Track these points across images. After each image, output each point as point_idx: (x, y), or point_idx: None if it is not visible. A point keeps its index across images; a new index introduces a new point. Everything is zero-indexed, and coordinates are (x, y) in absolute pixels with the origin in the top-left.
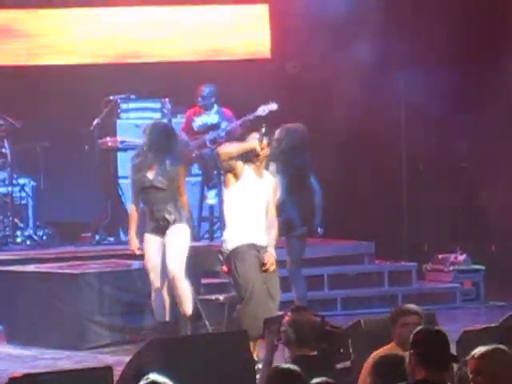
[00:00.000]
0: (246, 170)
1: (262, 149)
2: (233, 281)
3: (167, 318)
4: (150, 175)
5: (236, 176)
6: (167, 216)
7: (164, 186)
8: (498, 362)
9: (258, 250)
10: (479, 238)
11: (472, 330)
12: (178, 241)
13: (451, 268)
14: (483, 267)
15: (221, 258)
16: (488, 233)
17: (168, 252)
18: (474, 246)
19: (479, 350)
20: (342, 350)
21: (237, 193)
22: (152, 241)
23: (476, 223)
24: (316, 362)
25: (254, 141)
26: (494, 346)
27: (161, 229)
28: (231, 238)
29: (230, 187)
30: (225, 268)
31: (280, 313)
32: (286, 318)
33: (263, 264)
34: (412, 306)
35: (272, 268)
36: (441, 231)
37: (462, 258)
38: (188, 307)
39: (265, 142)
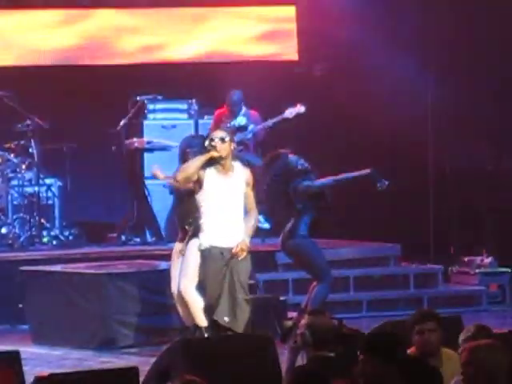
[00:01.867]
0: (207, 175)
1: (218, 151)
2: None
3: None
4: None
5: (199, 185)
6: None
7: None
8: (491, 355)
9: (223, 251)
10: (506, 241)
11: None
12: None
13: (477, 271)
14: (509, 270)
15: None
16: None
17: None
18: (500, 249)
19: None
20: (359, 353)
21: (201, 199)
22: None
23: (503, 226)
24: (332, 363)
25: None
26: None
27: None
28: (200, 241)
29: (196, 195)
30: None
31: (295, 315)
32: (304, 321)
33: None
34: (427, 312)
35: (241, 254)
36: (467, 234)
37: (488, 260)
38: (199, 318)
39: (217, 142)
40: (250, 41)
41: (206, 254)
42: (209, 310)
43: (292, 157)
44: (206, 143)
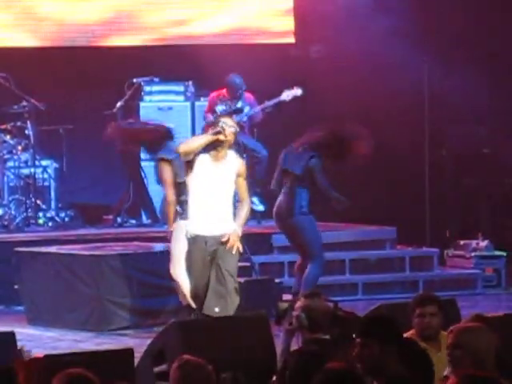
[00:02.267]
0: (200, 160)
1: (226, 136)
2: None
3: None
4: None
5: (191, 168)
6: None
7: None
8: (477, 337)
9: (207, 241)
10: (501, 224)
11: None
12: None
13: (473, 254)
14: (505, 254)
15: None
16: (510, 219)
17: None
18: (495, 233)
19: (458, 326)
20: (354, 336)
21: (191, 182)
22: None
23: (498, 209)
24: (327, 345)
25: (222, 125)
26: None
27: None
28: (187, 228)
29: (186, 177)
30: None
31: (290, 298)
32: (299, 304)
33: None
34: (429, 296)
35: (232, 245)
36: (463, 217)
37: (483, 244)
38: (190, 300)
39: (231, 130)
40: (247, 22)
41: (191, 242)
42: (196, 300)
43: None
44: (220, 125)
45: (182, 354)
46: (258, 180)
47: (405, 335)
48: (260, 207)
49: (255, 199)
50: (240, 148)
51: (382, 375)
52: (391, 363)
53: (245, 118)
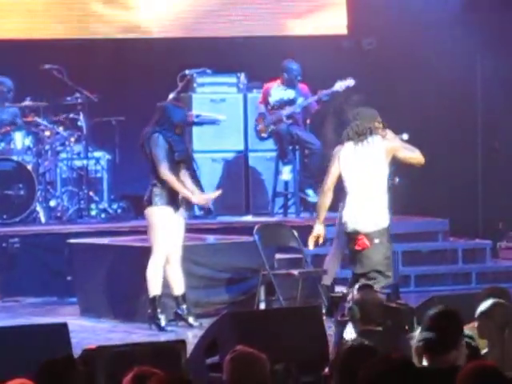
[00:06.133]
0: (343, 150)
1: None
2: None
3: None
4: None
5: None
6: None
7: None
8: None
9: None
10: None
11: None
12: None
13: None
14: None
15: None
16: None
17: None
18: None
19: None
20: (407, 327)
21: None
22: None
23: None
24: (380, 337)
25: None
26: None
27: None
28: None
29: None
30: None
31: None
32: (351, 296)
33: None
34: (498, 289)
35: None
36: None
37: None
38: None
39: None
40: (300, 13)
41: None
42: None
43: None
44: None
45: (235, 346)
46: (311, 172)
47: (466, 327)
48: (315, 199)
49: (309, 191)
50: (293, 140)
51: None
52: None
53: (298, 110)
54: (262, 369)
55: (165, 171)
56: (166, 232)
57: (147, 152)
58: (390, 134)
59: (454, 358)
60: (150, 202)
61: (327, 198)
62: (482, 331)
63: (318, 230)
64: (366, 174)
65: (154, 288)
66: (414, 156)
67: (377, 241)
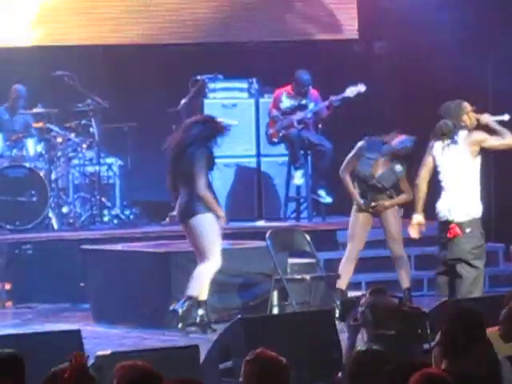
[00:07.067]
0: (435, 147)
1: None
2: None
3: None
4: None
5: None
6: None
7: None
8: None
9: None
10: None
11: None
12: None
13: None
14: None
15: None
16: None
17: None
18: None
19: None
20: (420, 331)
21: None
22: None
23: None
24: (393, 341)
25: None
26: None
27: None
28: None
29: None
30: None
31: (357, 294)
32: (364, 300)
33: None
34: None
35: None
36: None
37: None
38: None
39: None
40: (311, 18)
41: None
42: None
43: None
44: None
45: (248, 351)
46: (323, 173)
47: (488, 330)
48: (327, 199)
49: (322, 192)
50: (305, 144)
51: None
52: None
53: (309, 115)
54: (282, 372)
55: (204, 189)
56: (218, 236)
57: (184, 163)
58: (486, 117)
59: (475, 362)
60: (194, 212)
61: (419, 191)
62: (508, 335)
63: (417, 218)
64: (454, 169)
65: (205, 292)
66: (499, 143)
67: (468, 230)
